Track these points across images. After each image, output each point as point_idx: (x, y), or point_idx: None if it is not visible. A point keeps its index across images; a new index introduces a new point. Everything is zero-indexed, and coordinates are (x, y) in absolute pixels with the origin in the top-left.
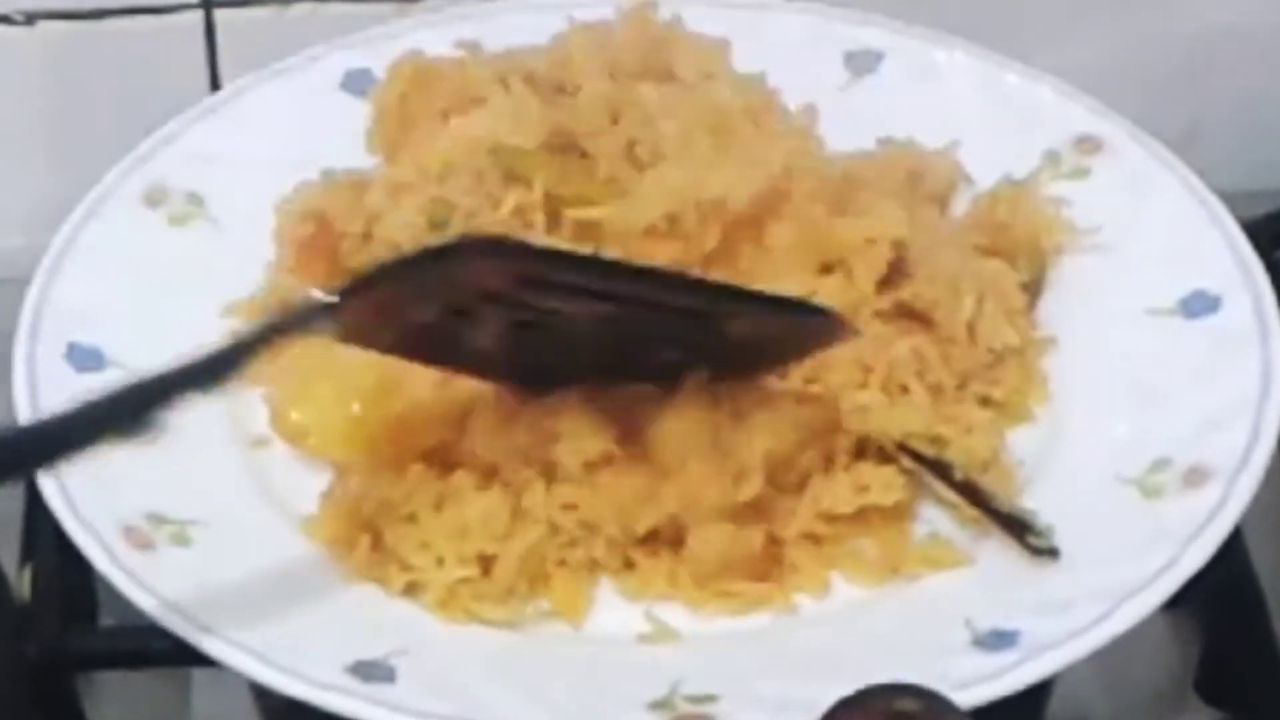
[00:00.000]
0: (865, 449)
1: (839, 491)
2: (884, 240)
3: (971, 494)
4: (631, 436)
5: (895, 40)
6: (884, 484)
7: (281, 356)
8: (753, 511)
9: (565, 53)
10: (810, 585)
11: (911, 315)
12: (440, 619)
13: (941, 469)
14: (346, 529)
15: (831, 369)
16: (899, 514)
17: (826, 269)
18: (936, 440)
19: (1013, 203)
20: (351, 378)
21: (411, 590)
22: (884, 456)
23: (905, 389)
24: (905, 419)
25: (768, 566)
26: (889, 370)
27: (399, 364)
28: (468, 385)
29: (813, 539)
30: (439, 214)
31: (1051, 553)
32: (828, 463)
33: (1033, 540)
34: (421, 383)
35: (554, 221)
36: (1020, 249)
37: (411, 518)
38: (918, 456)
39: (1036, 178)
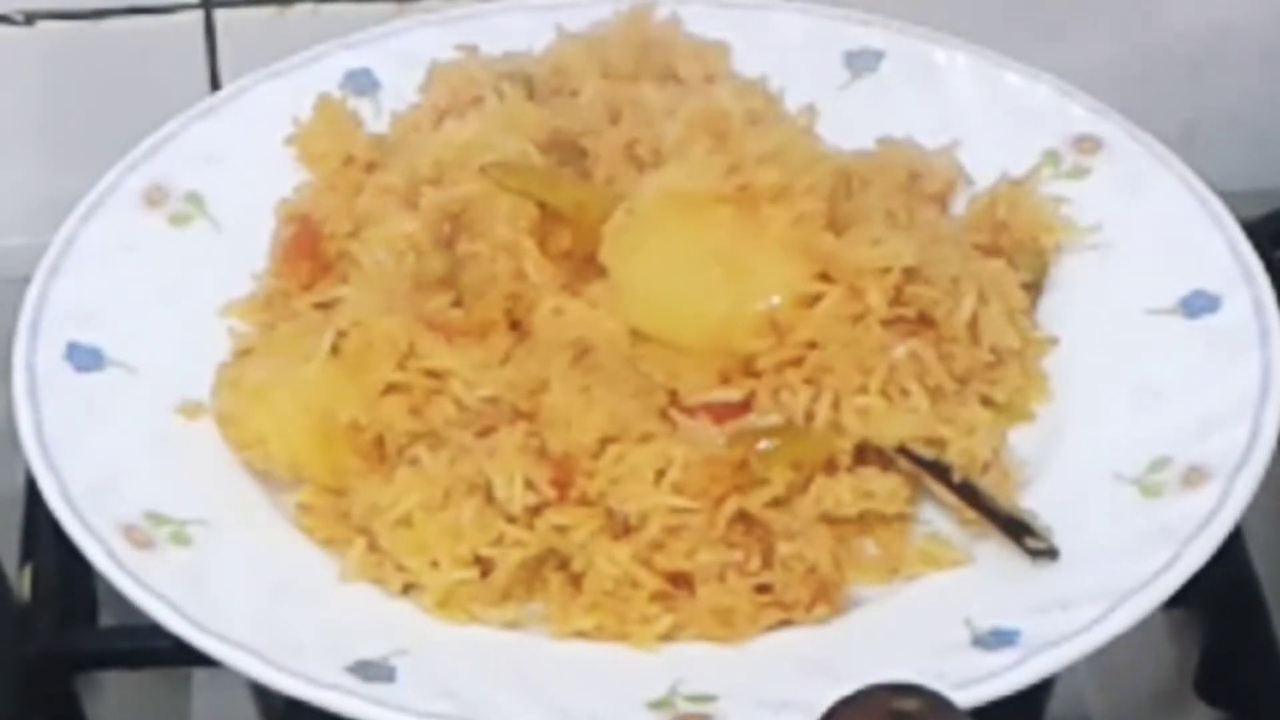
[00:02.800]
0: (866, 450)
1: (841, 494)
2: (898, 269)
3: (970, 496)
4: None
5: (895, 40)
6: (889, 492)
7: (231, 368)
8: (749, 525)
9: (562, 56)
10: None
11: (912, 316)
12: (440, 619)
13: (940, 471)
14: (341, 531)
15: (833, 372)
16: (900, 517)
17: (827, 276)
18: (936, 442)
19: (1012, 202)
20: (311, 387)
21: (410, 590)
22: (885, 460)
23: (905, 392)
24: (905, 424)
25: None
26: (889, 374)
27: (357, 373)
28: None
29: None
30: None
31: (1050, 554)
32: (830, 466)
33: (1030, 542)
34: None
35: (549, 230)
36: (1020, 248)
37: (405, 521)
38: (916, 459)
39: (1036, 177)
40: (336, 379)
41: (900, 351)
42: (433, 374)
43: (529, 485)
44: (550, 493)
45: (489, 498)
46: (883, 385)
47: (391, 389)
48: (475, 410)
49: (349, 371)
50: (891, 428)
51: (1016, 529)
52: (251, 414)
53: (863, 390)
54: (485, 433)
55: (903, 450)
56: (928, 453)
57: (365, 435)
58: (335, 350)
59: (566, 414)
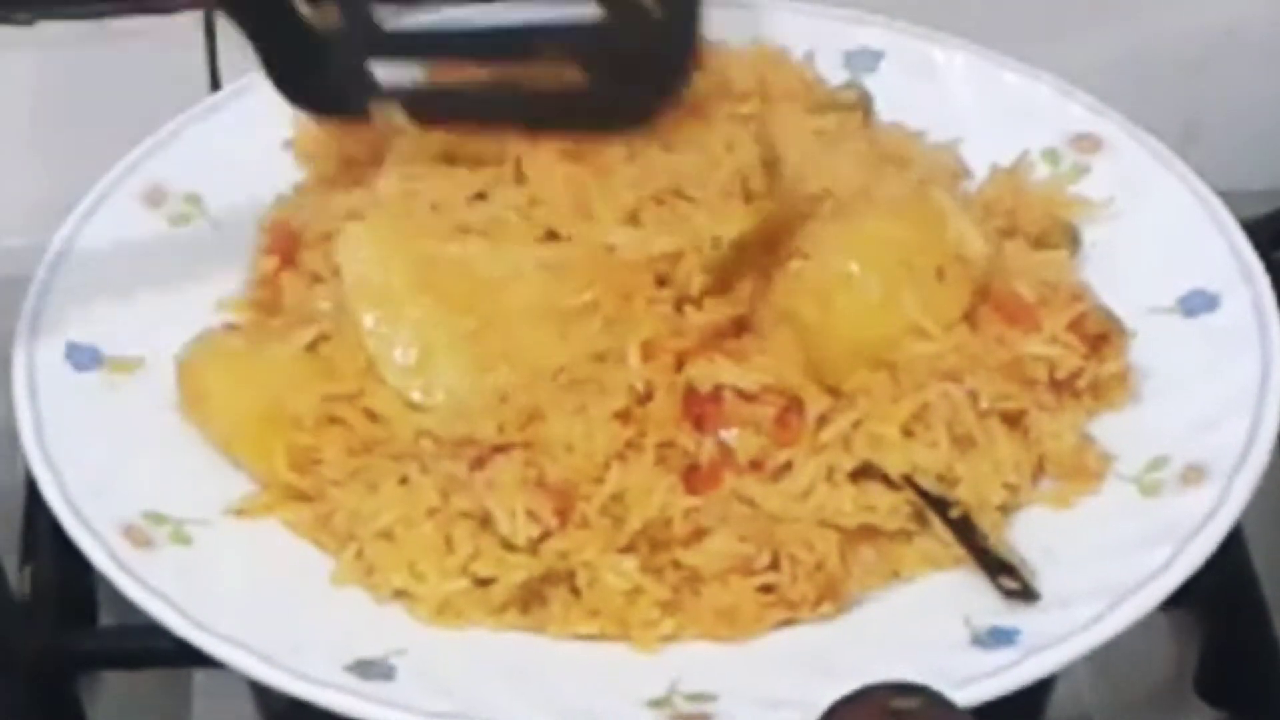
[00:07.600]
0: (872, 466)
1: (842, 503)
2: (979, 261)
3: (963, 533)
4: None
5: (895, 40)
6: (890, 508)
7: (214, 330)
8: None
9: None
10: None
11: (1011, 315)
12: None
13: (939, 505)
14: (324, 536)
15: (869, 393)
16: (902, 532)
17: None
18: (944, 478)
19: (1014, 186)
20: (275, 366)
21: (404, 595)
22: (890, 480)
23: (929, 428)
24: (914, 456)
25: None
26: (917, 411)
27: (320, 379)
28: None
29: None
30: None
31: (1025, 595)
32: (829, 475)
33: (1005, 582)
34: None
35: None
36: (1038, 224)
37: (387, 534)
38: (919, 490)
39: (1025, 163)
40: (302, 371)
41: (932, 392)
42: (371, 415)
43: (532, 517)
44: (554, 522)
45: (483, 524)
46: (905, 421)
47: (334, 421)
48: (457, 442)
49: (315, 372)
50: (900, 458)
51: (997, 569)
52: (208, 369)
53: (883, 420)
54: (478, 464)
55: (908, 479)
56: (933, 485)
57: (300, 440)
58: (314, 347)
59: (568, 440)
